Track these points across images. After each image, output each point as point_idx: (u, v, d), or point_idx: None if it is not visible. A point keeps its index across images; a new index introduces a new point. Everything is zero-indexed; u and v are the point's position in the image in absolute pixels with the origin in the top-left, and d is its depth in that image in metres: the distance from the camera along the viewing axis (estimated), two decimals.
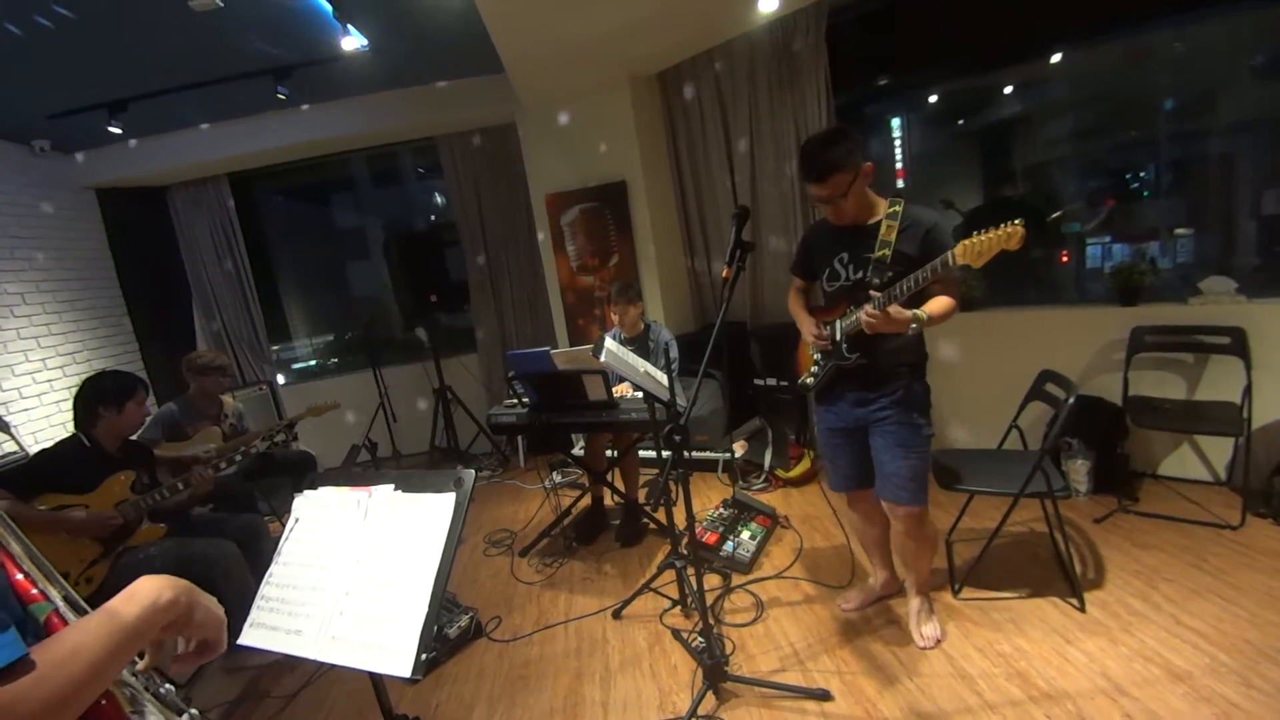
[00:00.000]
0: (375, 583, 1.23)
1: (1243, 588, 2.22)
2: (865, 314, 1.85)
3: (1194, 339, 2.89)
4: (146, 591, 0.71)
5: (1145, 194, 3.63)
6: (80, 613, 0.74)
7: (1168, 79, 3.36)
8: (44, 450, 2.59)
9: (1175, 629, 2.07)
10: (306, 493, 1.42)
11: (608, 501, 3.61)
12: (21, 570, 0.69)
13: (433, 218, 5.79)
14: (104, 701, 0.69)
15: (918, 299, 1.87)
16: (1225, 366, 2.83)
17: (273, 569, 1.33)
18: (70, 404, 2.60)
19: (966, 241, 1.71)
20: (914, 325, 1.80)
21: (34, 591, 0.69)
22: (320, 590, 1.27)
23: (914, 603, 2.23)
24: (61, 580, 0.73)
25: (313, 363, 6.01)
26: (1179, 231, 3.48)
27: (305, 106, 4.41)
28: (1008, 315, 3.51)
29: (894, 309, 1.80)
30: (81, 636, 0.63)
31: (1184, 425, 2.91)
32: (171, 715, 0.77)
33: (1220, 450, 2.95)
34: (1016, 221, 1.65)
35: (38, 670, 0.56)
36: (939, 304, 1.87)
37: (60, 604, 0.71)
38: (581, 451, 4.07)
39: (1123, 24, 3.30)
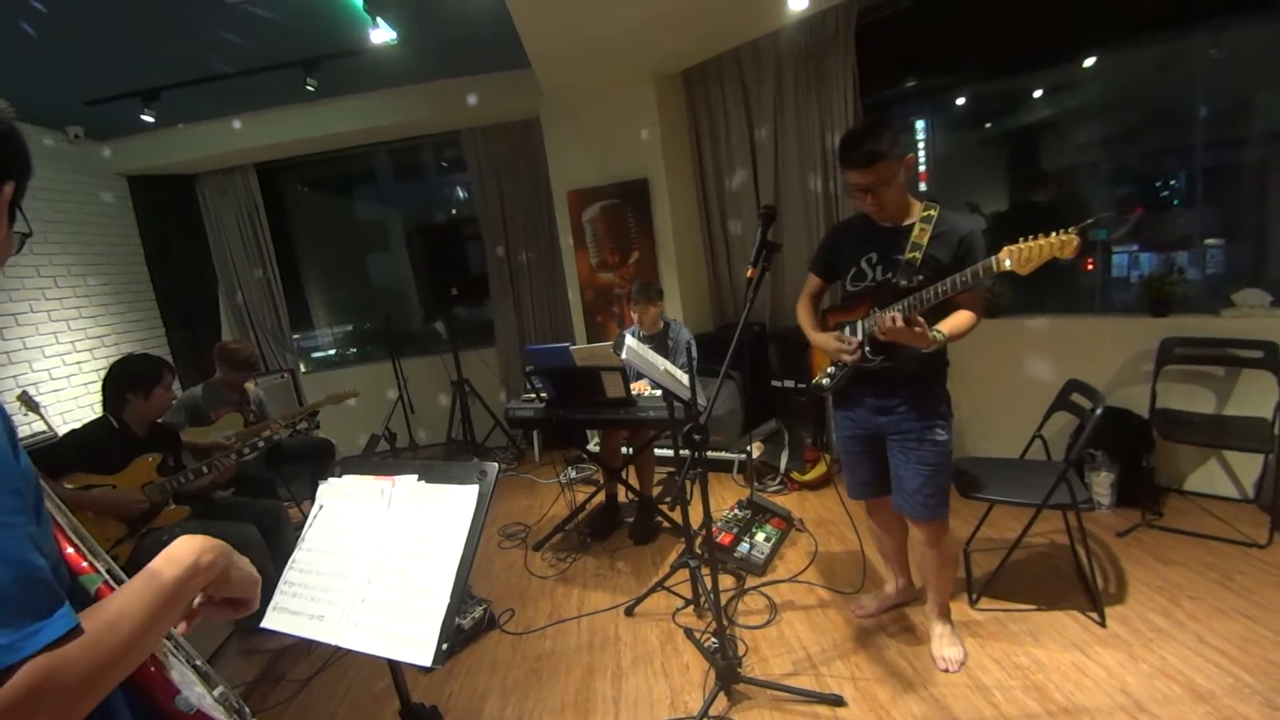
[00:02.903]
0: (398, 571, 1.24)
1: (1269, 608, 2.17)
2: (888, 318, 1.76)
3: (1225, 352, 2.84)
4: (186, 553, 0.71)
5: (1176, 202, 3.56)
6: None
7: (1202, 85, 3.28)
8: (73, 431, 2.64)
9: (1198, 647, 2.03)
10: (330, 480, 1.43)
11: (622, 498, 3.61)
12: (71, 543, 0.70)
13: (454, 211, 5.82)
14: (153, 668, 0.70)
15: (945, 306, 1.84)
16: (1257, 381, 2.77)
17: (296, 554, 1.34)
18: (98, 386, 2.65)
19: (1013, 247, 1.64)
20: (932, 344, 1.78)
21: (84, 564, 0.69)
22: (343, 577, 1.28)
23: (936, 625, 2.17)
24: (104, 554, 0.74)
25: (332, 352, 6.08)
26: (1209, 242, 3.40)
27: (333, 99, 4.45)
28: (1034, 323, 3.45)
29: (917, 320, 1.75)
30: (126, 601, 0.63)
31: (1212, 440, 2.85)
32: (207, 688, 0.79)
33: (1249, 467, 2.89)
34: (1070, 230, 1.60)
35: (87, 636, 0.56)
36: (959, 319, 1.84)
37: (107, 576, 0.72)
38: (597, 448, 4.08)
39: (1157, 28, 3.22)
